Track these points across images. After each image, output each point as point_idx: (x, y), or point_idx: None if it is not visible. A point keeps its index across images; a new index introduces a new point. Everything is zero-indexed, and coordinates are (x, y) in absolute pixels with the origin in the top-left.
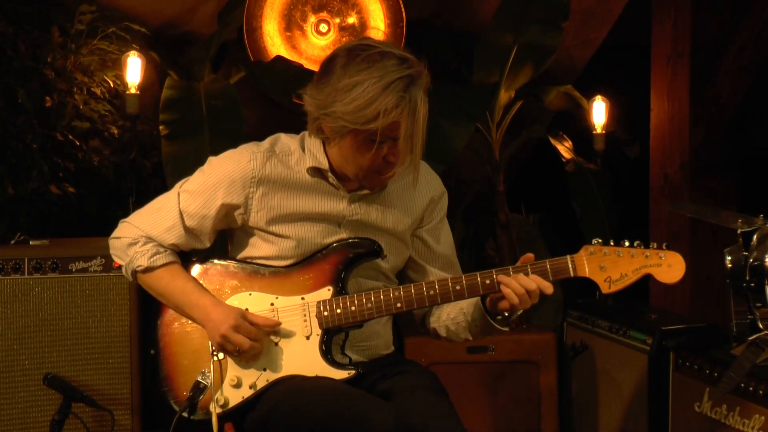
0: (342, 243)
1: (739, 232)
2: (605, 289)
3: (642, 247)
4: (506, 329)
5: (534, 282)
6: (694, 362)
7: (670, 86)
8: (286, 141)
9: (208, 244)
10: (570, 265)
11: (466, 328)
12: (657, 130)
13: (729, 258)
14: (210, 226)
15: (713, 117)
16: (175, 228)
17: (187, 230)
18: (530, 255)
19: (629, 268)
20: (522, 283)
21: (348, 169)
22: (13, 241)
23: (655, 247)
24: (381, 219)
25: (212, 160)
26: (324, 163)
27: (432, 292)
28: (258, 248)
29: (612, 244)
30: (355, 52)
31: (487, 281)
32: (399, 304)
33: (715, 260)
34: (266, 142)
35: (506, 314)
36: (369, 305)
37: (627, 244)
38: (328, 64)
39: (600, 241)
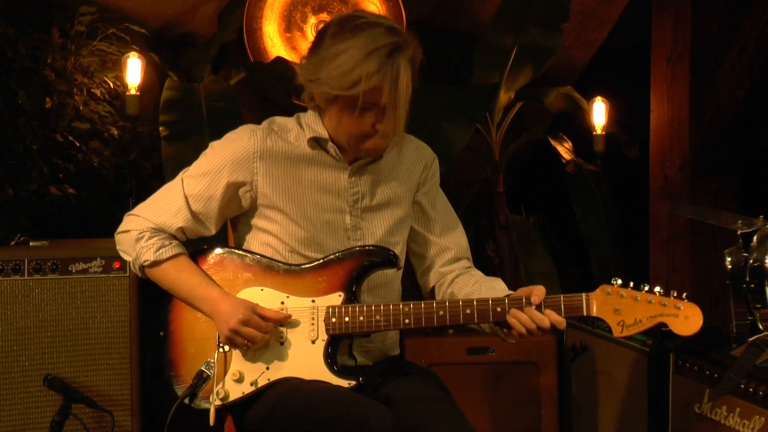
0: (359, 249)
1: (738, 233)
2: (617, 332)
3: (661, 294)
4: (513, 341)
5: (547, 319)
6: (694, 363)
7: (669, 87)
8: (282, 120)
9: (214, 231)
10: (584, 303)
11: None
12: (657, 131)
13: (729, 259)
14: (216, 209)
15: (713, 118)
16: (181, 212)
17: (194, 214)
18: (542, 288)
19: (644, 314)
20: (534, 318)
21: (340, 137)
22: (13, 243)
23: (674, 296)
24: (381, 191)
25: (213, 144)
26: (323, 133)
27: (441, 313)
28: (262, 231)
29: (631, 286)
30: (345, 22)
31: (498, 309)
32: (407, 320)
33: (714, 261)
34: (264, 123)
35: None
36: (378, 317)
37: (646, 288)
38: (320, 35)
39: (619, 282)
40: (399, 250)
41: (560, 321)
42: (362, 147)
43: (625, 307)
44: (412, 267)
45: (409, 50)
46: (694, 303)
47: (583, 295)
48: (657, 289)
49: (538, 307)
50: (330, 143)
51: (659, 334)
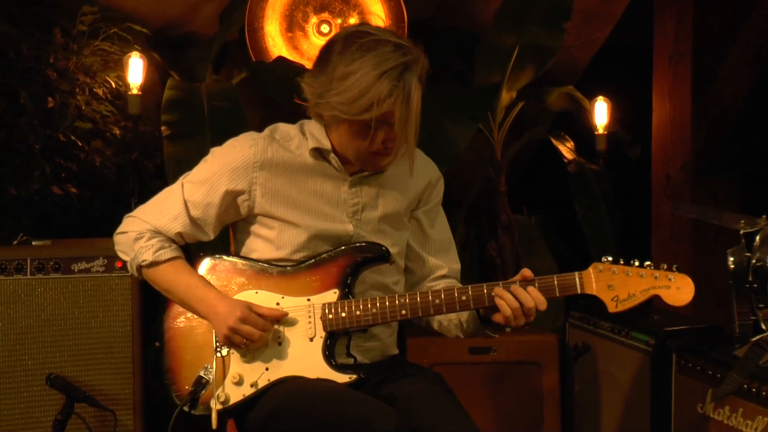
0: (351, 246)
1: (741, 233)
2: (612, 308)
3: (651, 267)
4: (496, 336)
5: (529, 296)
6: (696, 363)
7: (672, 87)
8: (285, 128)
9: (212, 236)
10: (578, 282)
11: (458, 326)
12: (659, 130)
13: (732, 259)
14: (214, 215)
15: (716, 118)
16: (180, 217)
17: (192, 220)
18: (528, 271)
19: (637, 288)
20: (518, 295)
21: (348, 153)
22: (15, 242)
23: (665, 268)
24: (381, 203)
25: (214, 151)
26: (327, 144)
27: (437, 302)
28: (262, 238)
29: (622, 262)
30: (352, 39)
31: (493, 293)
32: (404, 311)
33: (717, 261)
34: (266, 131)
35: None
36: (374, 311)
37: (636, 263)
38: (326, 51)
39: (610, 259)
40: (398, 261)
41: (542, 301)
42: (374, 162)
43: (617, 283)
44: None
45: (418, 67)
46: (684, 274)
47: (576, 273)
48: (647, 263)
49: (532, 283)
50: (332, 154)
51: (662, 333)
